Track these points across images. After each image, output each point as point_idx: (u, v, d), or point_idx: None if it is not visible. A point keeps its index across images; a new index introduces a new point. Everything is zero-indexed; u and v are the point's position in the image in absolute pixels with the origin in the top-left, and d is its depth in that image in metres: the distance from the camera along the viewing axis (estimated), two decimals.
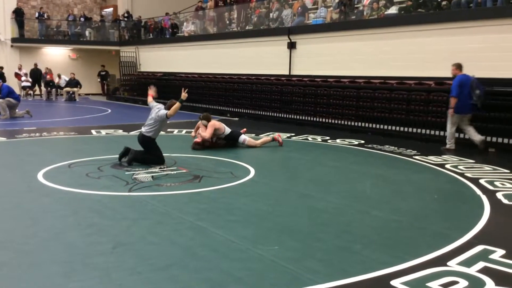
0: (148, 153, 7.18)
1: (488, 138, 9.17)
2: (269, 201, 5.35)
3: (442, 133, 9.95)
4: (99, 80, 25.22)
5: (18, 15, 24.22)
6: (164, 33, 22.36)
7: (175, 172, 6.68)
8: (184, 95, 7.37)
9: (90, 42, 25.86)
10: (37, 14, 25.20)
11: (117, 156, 7.25)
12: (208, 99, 16.84)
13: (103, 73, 25.01)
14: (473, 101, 8.77)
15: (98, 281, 3.25)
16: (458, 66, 9.06)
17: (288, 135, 10.89)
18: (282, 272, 3.44)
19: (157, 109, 7.28)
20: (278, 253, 3.76)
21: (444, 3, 11.46)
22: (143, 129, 7.32)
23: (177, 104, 7.12)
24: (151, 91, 7.98)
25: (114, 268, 3.45)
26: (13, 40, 24.19)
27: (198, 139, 8.71)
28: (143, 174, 6.46)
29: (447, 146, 9.18)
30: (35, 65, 23.55)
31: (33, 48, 25.17)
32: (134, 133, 10.66)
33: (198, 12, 20.49)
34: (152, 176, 6.38)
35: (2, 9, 23.87)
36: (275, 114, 14.12)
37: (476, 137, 8.91)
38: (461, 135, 9.45)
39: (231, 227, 4.38)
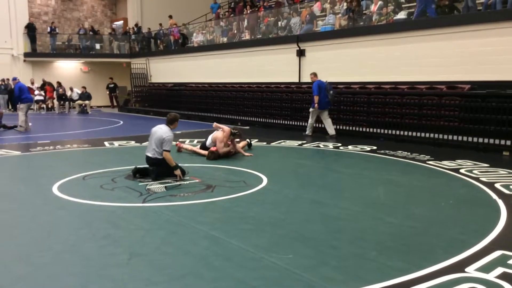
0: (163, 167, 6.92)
1: (502, 142, 9.09)
2: (282, 209, 5.34)
3: (455, 137, 9.87)
4: (107, 92, 25.51)
5: (30, 30, 24.63)
6: (175, 44, 22.57)
7: (188, 182, 6.70)
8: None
9: (101, 55, 26.19)
10: (49, 29, 25.61)
11: (130, 167, 7.27)
12: (218, 108, 16.92)
13: (112, 85, 25.28)
14: (328, 99, 11.73)
15: None
16: (315, 74, 12.05)
17: (300, 142, 10.87)
18: (297, 280, 3.42)
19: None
20: (292, 261, 3.75)
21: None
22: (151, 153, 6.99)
23: (169, 157, 6.87)
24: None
25: (130, 279, 3.46)
26: (26, 54, 24.59)
27: (213, 148, 8.69)
28: (156, 185, 6.49)
29: (307, 132, 12.19)
30: (43, 80, 23.90)
31: (46, 62, 25.55)
32: (146, 144, 10.72)
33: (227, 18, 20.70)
34: (166, 187, 6.40)
35: (15, 24, 24.32)
36: (285, 122, 14.13)
37: (330, 129, 11.96)
38: (319, 125, 12.44)
39: (245, 236, 4.38)
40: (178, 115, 7.33)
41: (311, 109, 11.95)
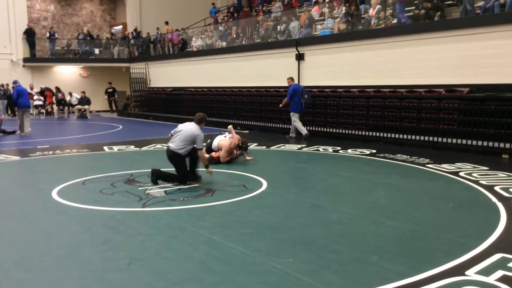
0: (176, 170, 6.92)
1: (502, 144, 9.10)
2: (282, 213, 5.34)
3: (454, 140, 9.88)
4: (106, 97, 25.54)
5: (30, 35, 24.66)
6: (173, 48, 22.61)
7: (187, 186, 6.70)
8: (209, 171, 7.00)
9: (100, 60, 26.21)
10: (48, 34, 25.65)
11: (130, 172, 7.26)
12: (218, 113, 16.92)
13: (110, 90, 25.31)
14: (301, 103, 12.25)
15: None
16: (292, 79, 12.85)
17: (299, 146, 10.88)
18: (297, 284, 3.42)
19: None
20: (293, 266, 3.75)
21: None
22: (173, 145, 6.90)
23: (203, 156, 7.01)
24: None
25: (130, 284, 3.46)
26: (25, 60, 24.62)
27: (215, 154, 8.58)
28: (156, 189, 6.49)
29: (303, 135, 12.30)
30: (41, 88, 23.89)
31: (45, 67, 25.57)
32: (146, 148, 10.74)
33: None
34: (165, 191, 6.40)
35: (14, 30, 24.36)
36: (285, 126, 14.12)
37: (293, 132, 12.73)
38: (312, 128, 13.07)
39: (245, 240, 4.38)
40: (206, 116, 7.34)
41: (280, 106, 12.89)
